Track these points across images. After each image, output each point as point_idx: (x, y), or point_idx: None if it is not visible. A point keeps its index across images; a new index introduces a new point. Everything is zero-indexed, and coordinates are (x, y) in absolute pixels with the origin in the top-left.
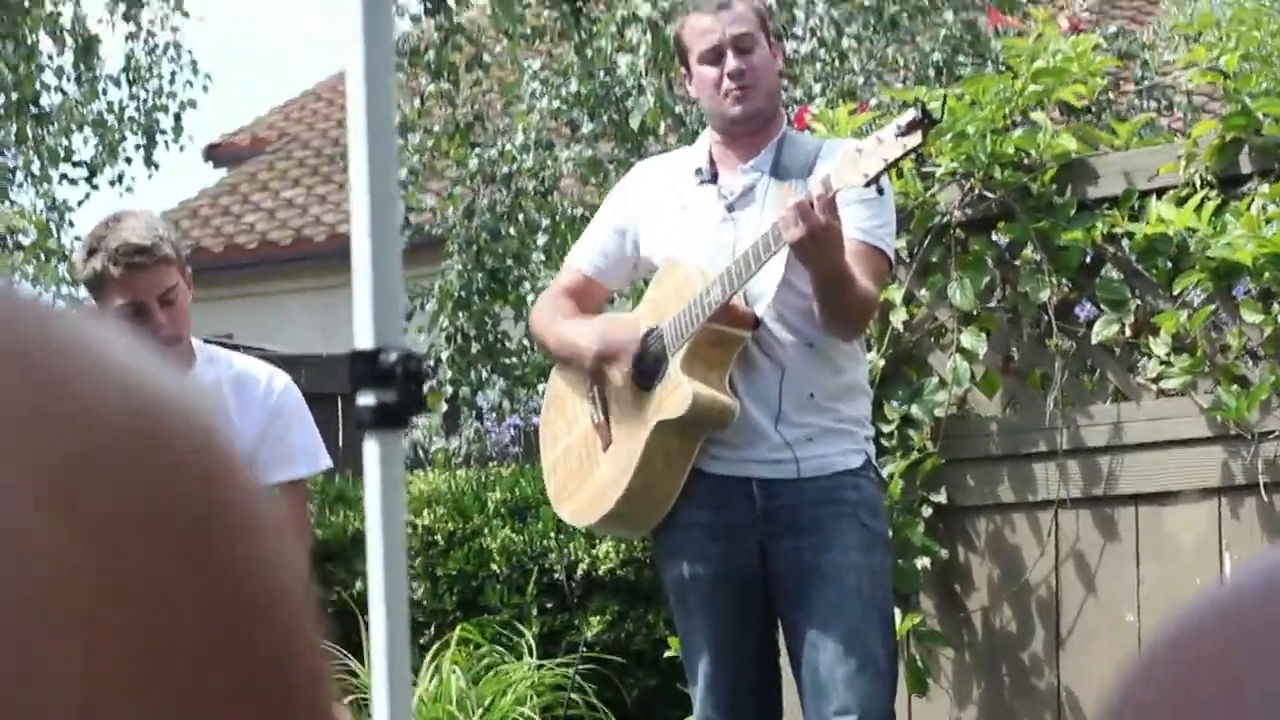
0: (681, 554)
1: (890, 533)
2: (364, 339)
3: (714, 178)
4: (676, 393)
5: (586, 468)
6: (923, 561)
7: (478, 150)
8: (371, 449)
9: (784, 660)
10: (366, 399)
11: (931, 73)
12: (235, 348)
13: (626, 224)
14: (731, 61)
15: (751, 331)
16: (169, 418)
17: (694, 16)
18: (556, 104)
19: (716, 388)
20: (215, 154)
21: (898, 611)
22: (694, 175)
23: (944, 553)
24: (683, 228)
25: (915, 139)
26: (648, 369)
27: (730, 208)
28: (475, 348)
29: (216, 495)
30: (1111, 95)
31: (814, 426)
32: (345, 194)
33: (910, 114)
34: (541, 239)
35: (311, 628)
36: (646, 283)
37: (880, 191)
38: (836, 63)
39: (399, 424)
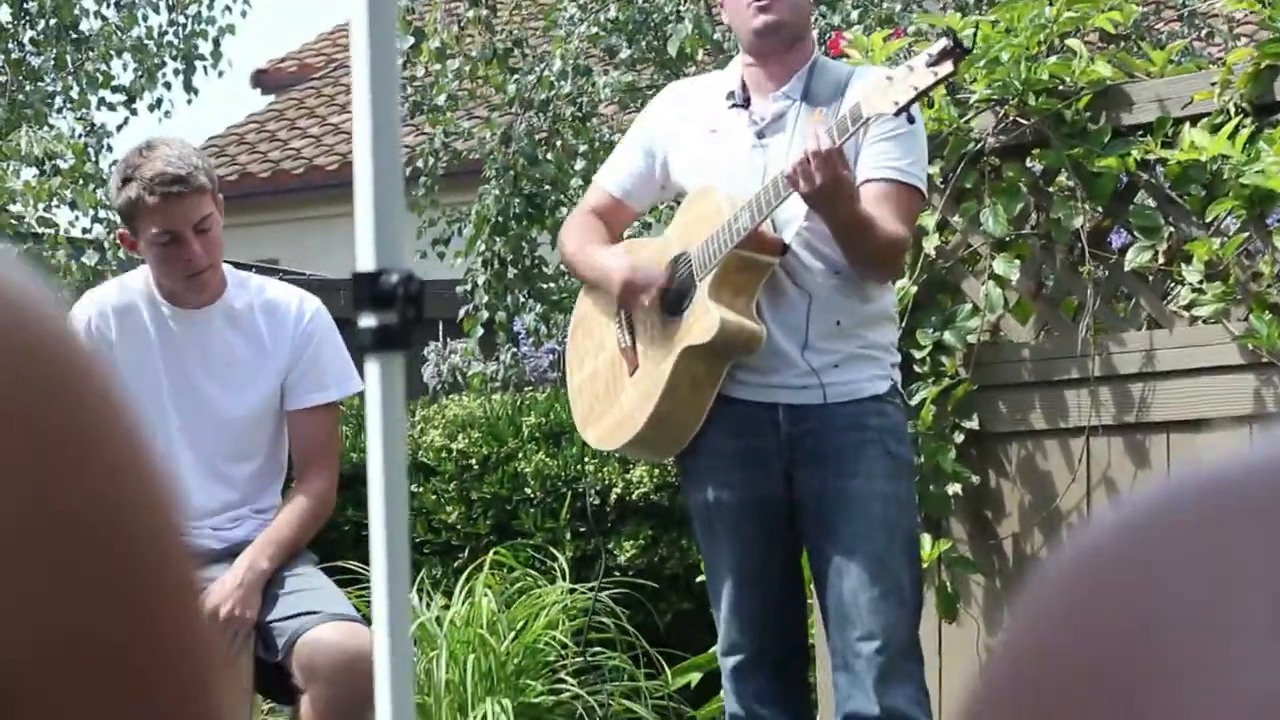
0: (707, 480)
1: (917, 459)
2: (365, 261)
3: (746, 102)
4: (704, 319)
5: (612, 392)
6: (954, 488)
7: (516, 76)
8: (372, 370)
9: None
10: (368, 321)
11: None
12: (276, 273)
13: (655, 145)
14: None
15: (779, 258)
16: (40, 323)
17: None
18: (594, 30)
19: (744, 314)
20: (263, 80)
21: (928, 538)
22: (725, 99)
23: (975, 479)
24: (713, 152)
25: (946, 68)
26: (675, 294)
27: (761, 134)
28: (512, 272)
29: (82, 399)
30: (1151, 20)
31: (840, 353)
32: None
33: (942, 43)
34: (580, 164)
35: (173, 545)
36: (676, 204)
37: (911, 120)
38: None
39: (400, 346)
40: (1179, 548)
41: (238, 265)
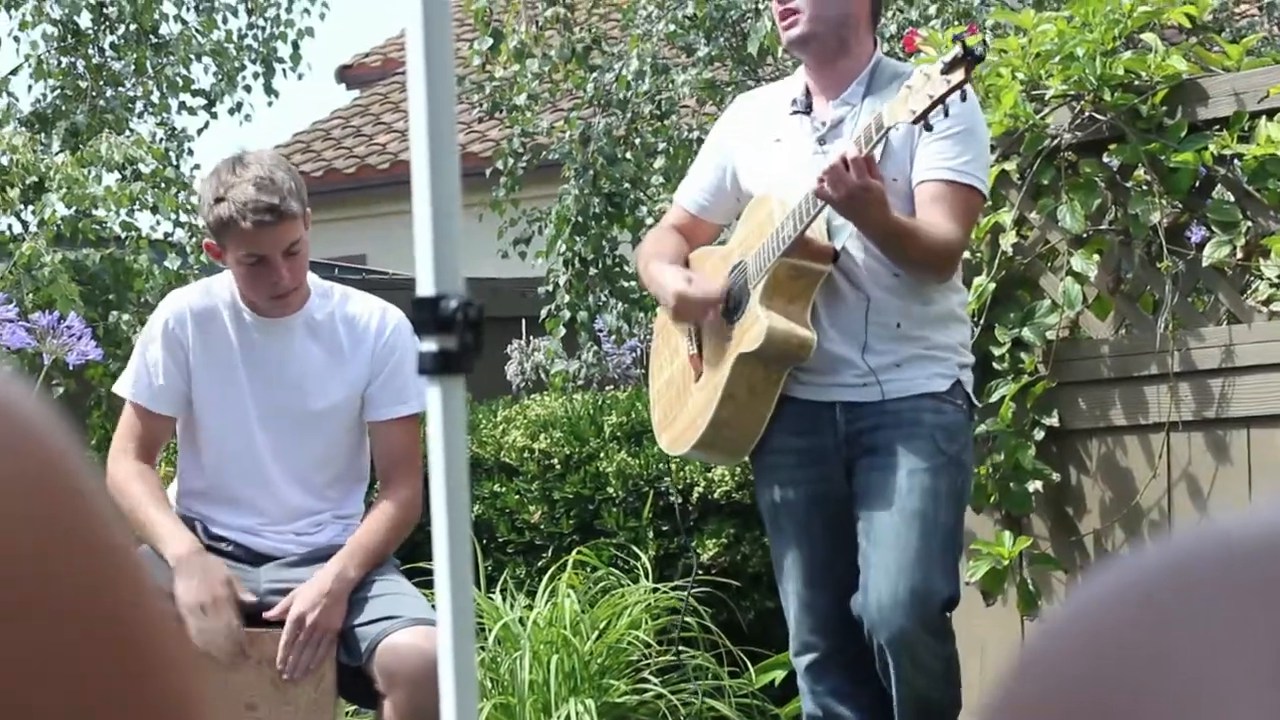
0: (773, 479)
1: (997, 457)
2: (425, 286)
3: (808, 109)
4: (754, 327)
5: (682, 398)
6: (1034, 485)
7: (594, 75)
8: (433, 394)
9: None
10: (429, 345)
11: None
12: (361, 272)
13: (725, 159)
14: None
15: (830, 265)
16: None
17: None
18: (672, 27)
19: (797, 320)
20: (347, 75)
21: (1009, 535)
22: (789, 105)
23: (1056, 476)
24: (777, 160)
25: (958, 75)
26: (734, 302)
27: (822, 140)
28: (593, 272)
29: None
30: (1230, 11)
31: (900, 354)
32: (476, 114)
33: (955, 50)
34: (659, 162)
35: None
36: None
37: (929, 128)
38: None
39: (460, 370)
40: (1181, 606)
41: (324, 262)
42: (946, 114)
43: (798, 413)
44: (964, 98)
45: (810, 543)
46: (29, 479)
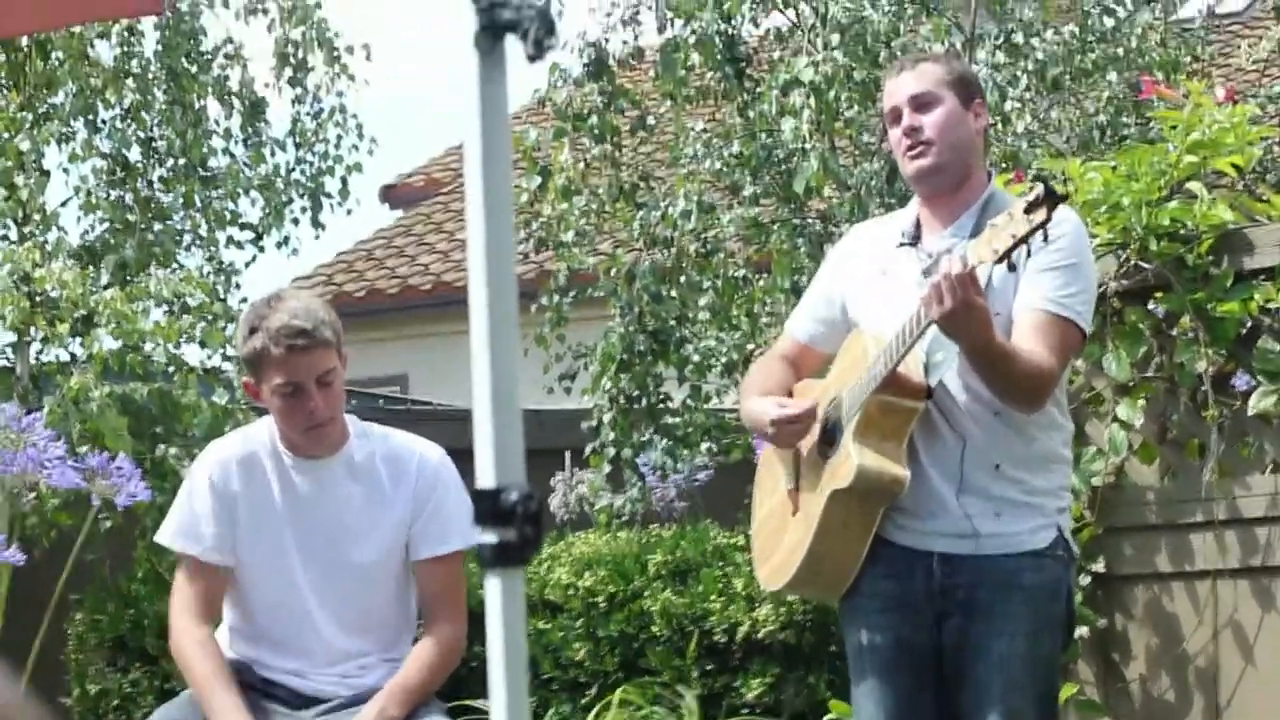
0: (860, 621)
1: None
2: (486, 478)
3: (916, 240)
4: (846, 463)
5: (780, 533)
6: (1081, 631)
7: (641, 213)
8: (493, 585)
9: None
10: (488, 537)
11: (1095, 134)
12: (405, 401)
13: (835, 289)
14: (905, 118)
15: (924, 402)
16: None
17: (889, 78)
18: (719, 165)
19: (891, 458)
20: (391, 195)
21: None
22: (899, 237)
23: (1102, 622)
24: (882, 292)
25: (1040, 215)
26: (829, 436)
27: (927, 272)
28: (637, 408)
29: None
30: (1276, 156)
31: (1000, 500)
32: (521, 236)
33: (1036, 189)
34: (704, 299)
35: None
36: None
37: (1012, 268)
38: (999, 126)
39: (519, 562)
40: None
41: (366, 390)
42: (1029, 254)
43: (892, 557)
44: (1045, 238)
45: (893, 689)
46: None
